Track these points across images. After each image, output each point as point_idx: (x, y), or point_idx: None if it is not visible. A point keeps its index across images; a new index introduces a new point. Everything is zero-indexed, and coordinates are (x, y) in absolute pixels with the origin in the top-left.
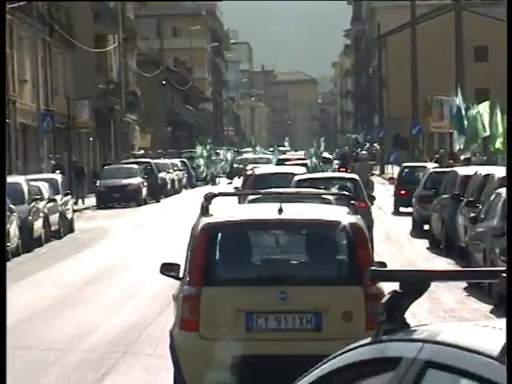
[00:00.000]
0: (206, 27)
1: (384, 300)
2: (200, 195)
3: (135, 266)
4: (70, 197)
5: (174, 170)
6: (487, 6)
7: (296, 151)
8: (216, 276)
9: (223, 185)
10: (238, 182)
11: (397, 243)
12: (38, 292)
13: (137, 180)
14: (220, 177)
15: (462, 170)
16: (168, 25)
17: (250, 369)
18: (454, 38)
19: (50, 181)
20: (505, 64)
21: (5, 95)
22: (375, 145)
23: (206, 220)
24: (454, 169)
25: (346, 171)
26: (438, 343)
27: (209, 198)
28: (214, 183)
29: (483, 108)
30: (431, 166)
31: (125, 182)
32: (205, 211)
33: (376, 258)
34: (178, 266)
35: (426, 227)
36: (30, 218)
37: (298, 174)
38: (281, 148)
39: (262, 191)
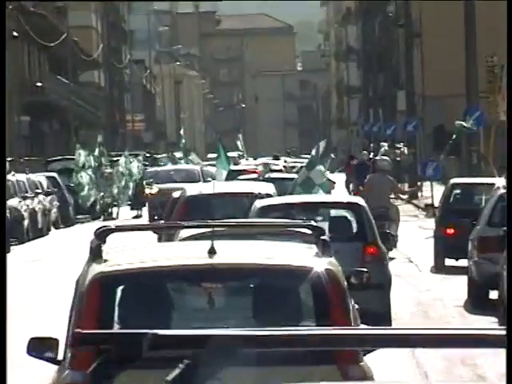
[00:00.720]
0: None
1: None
2: (84, 239)
3: None
4: None
5: (36, 194)
6: None
7: (256, 159)
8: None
9: (126, 218)
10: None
11: (440, 323)
12: None
13: None
14: (119, 205)
15: None
16: None
17: None
18: None
19: None
20: None
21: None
22: (400, 145)
23: (97, 268)
24: None
25: (360, 193)
26: None
27: (102, 234)
28: (108, 216)
29: None
30: (502, 183)
31: None
32: (96, 254)
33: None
34: (56, 341)
35: (494, 294)
36: None
37: (261, 197)
38: (230, 154)
39: (186, 223)
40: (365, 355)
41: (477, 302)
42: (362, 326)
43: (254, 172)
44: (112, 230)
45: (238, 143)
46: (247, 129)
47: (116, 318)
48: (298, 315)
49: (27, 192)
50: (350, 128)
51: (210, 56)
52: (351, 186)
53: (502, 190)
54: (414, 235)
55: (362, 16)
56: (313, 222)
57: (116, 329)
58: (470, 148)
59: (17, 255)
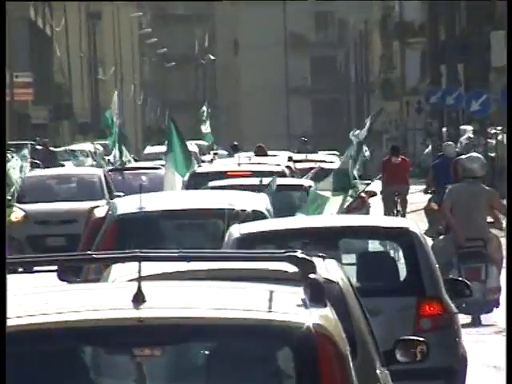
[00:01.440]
0: None
1: None
2: None
3: None
4: None
5: None
6: None
7: (235, 152)
8: None
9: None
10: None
11: None
12: None
13: None
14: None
15: None
16: None
17: None
18: None
19: None
20: None
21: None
22: (497, 130)
23: None
24: None
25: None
26: None
27: None
28: None
29: None
30: None
31: None
32: None
33: None
34: None
35: None
36: None
37: (244, 217)
38: (198, 142)
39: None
40: None
41: None
42: None
43: (243, 176)
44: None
45: (202, 127)
46: (220, 100)
47: None
48: None
49: None
50: (404, 98)
51: None
52: (398, 201)
53: None
54: None
55: None
56: (298, 253)
57: None
58: None
59: None
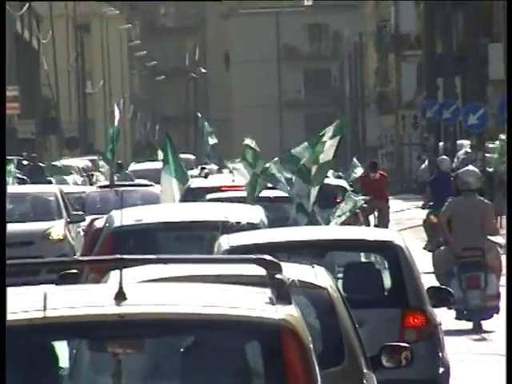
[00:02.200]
0: None
1: None
2: None
3: None
4: None
5: None
6: None
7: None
8: None
9: None
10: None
11: None
12: None
13: None
14: None
15: None
16: None
17: None
18: None
19: None
20: None
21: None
22: (496, 143)
23: None
24: None
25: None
26: None
27: None
28: None
29: None
30: None
31: None
32: None
33: None
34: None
35: None
36: None
37: (239, 228)
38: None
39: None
40: None
41: None
42: None
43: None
44: None
45: (210, 140)
46: (212, 114)
47: None
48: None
49: None
50: (400, 112)
51: None
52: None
53: None
54: None
55: None
56: (266, 256)
57: None
58: None
59: None
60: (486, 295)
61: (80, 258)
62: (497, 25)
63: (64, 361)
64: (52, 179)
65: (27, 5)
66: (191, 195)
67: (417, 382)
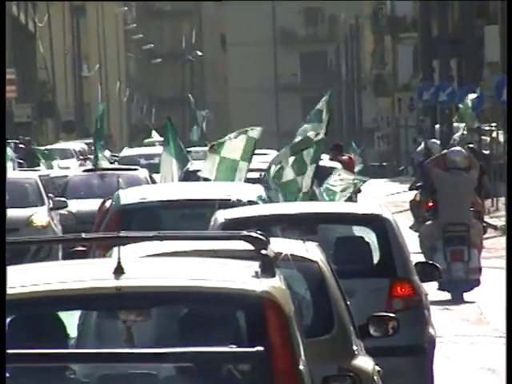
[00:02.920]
0: None
1: None
2: None
3: None
4: None
5: None
6: None
7: None
8: None
9: None
10: None
11: None
12: None
13: None
14: None
15: None
16: None
17: None
18: None
19: None
20: None
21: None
22: (491, 127)
23: None
24: None
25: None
26: None
27: None
28: None
29: None
30: None
31: None
32: None
33: None
34: None
35: None
36: None
37: (241, 205)
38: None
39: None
40: None
41: None
42: None
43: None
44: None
45: (194, 130)
46: (208, 97)
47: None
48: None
49: None
50: (396, 95)
51: None
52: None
53: None
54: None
55: None
56: (253, 233)
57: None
58: None
59: None
60: (468, 268)
61: (84, 236)
62: (492, 7)
63: (73, 330)
64: (42, 163)
65: None
66: (189, 178)
67: (403, 348)
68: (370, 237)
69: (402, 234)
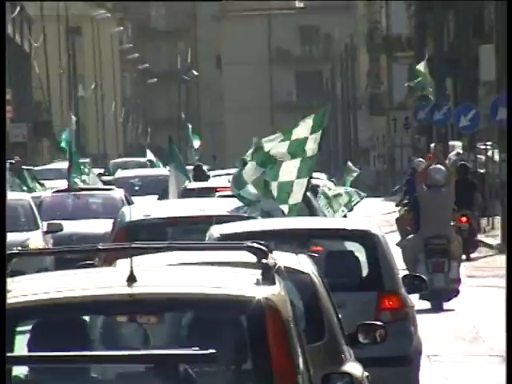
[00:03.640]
0: None
1: None
2: None
3: None
4: None
5: None
6: None
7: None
8: None
9: None
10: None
11: None
12: None
13: None
14: None
15: None
16: None
17: None
18: None
19: None
20: None
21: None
22: (486, 145)
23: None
24: None
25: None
26: None
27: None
28: None
29: None
30: None
31: None
32: None
33: None
34: None
35: None
36: None
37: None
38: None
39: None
40: None
41: None
42: None
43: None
44: (16, 255)
45: (195, 143)
46: (202, 117)
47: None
48: (229, 355)
49: None
50: (392, 114)
51: None
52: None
53: None
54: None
55: None
56: (255, 244)
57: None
58: None
59: None
60: (449, 278)
61: (100, 246)
62: (488, 26)
63: (86, 333)
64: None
65: (18, 8)
66: (187, 195)
67: (391, 359)
68: (360, 251)
69: (389, 249)
